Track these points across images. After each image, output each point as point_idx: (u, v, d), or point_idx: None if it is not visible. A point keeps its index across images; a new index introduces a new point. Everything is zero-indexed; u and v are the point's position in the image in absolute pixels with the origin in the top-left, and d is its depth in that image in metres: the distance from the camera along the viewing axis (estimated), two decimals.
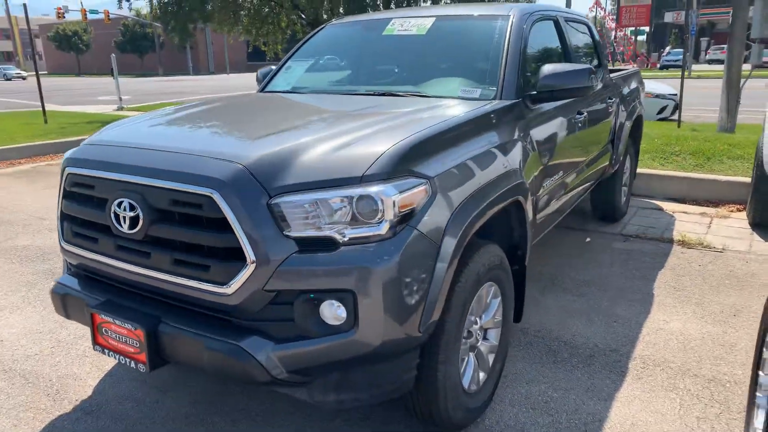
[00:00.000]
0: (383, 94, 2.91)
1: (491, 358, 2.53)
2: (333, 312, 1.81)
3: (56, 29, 65.33)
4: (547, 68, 2.74)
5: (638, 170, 5.98)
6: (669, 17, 54.84)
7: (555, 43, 3.50)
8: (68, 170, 2.18)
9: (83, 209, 2.13)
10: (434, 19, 3.23)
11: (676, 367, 2.84)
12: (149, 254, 1.95)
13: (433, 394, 2.10)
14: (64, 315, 2.28)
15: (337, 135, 2.06)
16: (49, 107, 17.59)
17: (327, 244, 1.80)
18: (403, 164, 1.88)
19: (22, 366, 2.96)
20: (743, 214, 5.21)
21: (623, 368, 2.84)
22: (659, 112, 12.92)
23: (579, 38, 3.99)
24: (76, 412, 2.59)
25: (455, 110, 2.42)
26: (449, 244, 1.94)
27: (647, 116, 12.45)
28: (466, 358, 2.32)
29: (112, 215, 1.99)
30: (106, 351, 2.07)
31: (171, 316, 1.96)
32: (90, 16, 46.94)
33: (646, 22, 47.01)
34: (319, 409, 2.51)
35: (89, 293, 2.17)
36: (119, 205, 1.96)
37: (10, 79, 49.58)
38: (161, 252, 1.92)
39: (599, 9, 46.08)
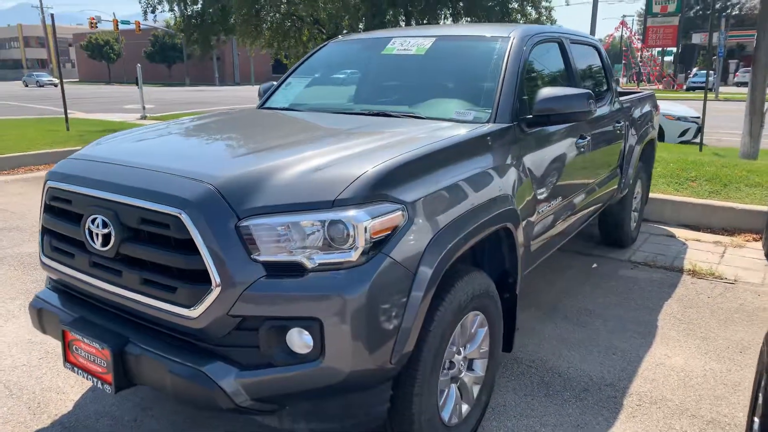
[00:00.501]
0: (377, 114, 2.87)
1: (476, 389, 2.44)
2: (300, 340, 1.76)
3: (89, 38, 67.11)
4: (544, 92, 2.67)
5: (651, 195, 5.84)
6: (697, 38, 54.19)
7: (559, 66, 3.43)
8: (48, 184, 2.18)
9: (61, 224, 2.12)
10: (434, 39, 3.19)
11: (674, 406, 2.71)
12: (120, 273, 1.92)
13: (408, 427, 2.03)
14: (40, 329, 2.26)
15: (317, 156, 2.02)
16: (75, 115, 18.02)
17: (296, 269, 1.75)
18: (379, 189, 1.83)
19: (8, 377, 2.95)
20: (759, 245, 5.03)
21: (617, 404, 2.72)
22: (681, 135, 12.67)
23: (586, 61, 3.91)
24: (54, 426, 2.56)
25: (443, 133, 2.36)
26: (425, 272, 1.87)
27: (668, 139, 12.31)
28: (447, 390, 2.24)
29: (87, 231, 1.97)
30: (76, 369, 2.04)
31: (139, 336, 1.92)
32: (121, 27, 48.00)
33: (673, 43, 46.43)
34: None
35: (64, 309, 2.15)
36: (93, 221, 1.94)
37: (42, 86, 50.93)
38: (131, 271, 1.89)
39: (625, 29, 45.73)
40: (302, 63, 3.64)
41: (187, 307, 1.77)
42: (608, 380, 2.93)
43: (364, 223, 1.74)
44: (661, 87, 45.15)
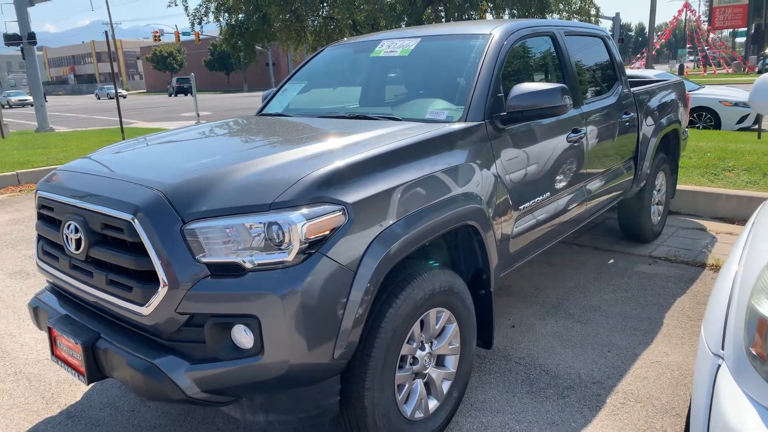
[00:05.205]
0: (357, 117, 2.94)
1: (446, 385, 2.47)
2: (243, 336, 1.86)
3: (153, 51, 70.57)
4: (516, 89, 2.66)
5: (683, 187, 5.61)
6: None
7: (549, 60, 3.38)
8: (38, 193, 2.39)
9: (47, 229, 2.33)
10: (419, 39, 3.22)
11: (660, 405, 2.64)
12: (91, 274, 2.09)
13: (362, 421, 2.09)
14: (37, 326, 2.48)
15: (270, 161, 2.11)
16: (136, 124, 19.06)
17: (237, 269, 1.85)
18: (317, 191, 1.91)
19: (30, 369, 3.23)
20: None
21: (600, 403, 2.68)
22: (739, 122, 11.98)
23: (588, 53, 3.83)
24: (61, 415, 2.79)
25: (404, 135, 2.40)
26: (366, 272, 1.93)
27: (725, 126, 11.68)
28: (408, 385, 2.29)
29: (64, 236, 2.16)
30: (60, 362, 2.24)
31: (109, 332, 2.08)
32: (183, 38, 50.14)
33: (743, 23, 43.87)
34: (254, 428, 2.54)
35: (54, 308, 2.35)
36: (68, 227, 2.13)
37: (113, 98, 54.03)
38: (99, 272, 2.06)
39: (689, 11, 43.48)
40: (299, 69, 3.76)
41: (141, 305, 1.91)
42: (597, 378, 2.88)
43: (299, 224, 1.82)
44: (730, 70, 42.67)
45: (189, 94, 52.01)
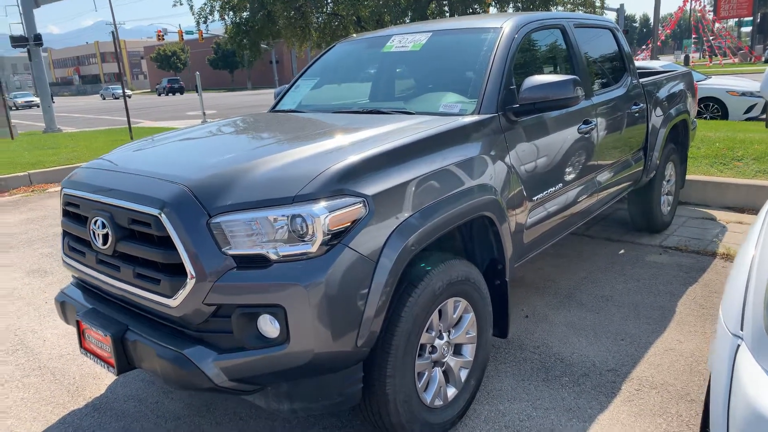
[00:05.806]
0: (371, 112, 2.99)
1: (464, 373, 2.52)
2: (268, 325, 1.91)
3: (157, 50, 70.75)
4: (528, 81, 2.70)
5: (692, 177, 5.63)
6: None
7: (559, 52, 3.41)
8: (63, 191, 2.45)
9: (73, 226, 2.38)
10: (430, 34, 3.26)
11: (675, 391, 2.68)
12: (119, 268, 2.15)
13: (383, 408, 2.14)
14: (64, 320, 2.54)
15: (290, 155, 2.16)
16: (142, 123, 19.16)
17: (262, 261, 1.90)
18: (338, 184, 1.95)
19: (54, 364, 3.30)
20: None
21: (615, 389, 2.72)
22: (746, 112, 11.96)
23: (597, 45, 3.85)
24: (87, 408, 2.86)
25: (419, 128, 2.44)
26: (387, 262, 1.98)
27: (732, 117, 11.65)
28: (428, 373, 2.34)
29: (91, 232, 2.21)
30: (89, 354, 2.30)
31: (137, 325, 2.14)
32: (186, 37, 50.30)
33: (749, 13, 43.55)
34: (277, 417, 2.61)
35: (81, 302, 2.41)
36: (95, 223, 2.18)
37: (117, 98, 54.30)
38: (127, 266, 2.11)
39: (694, 1, 43.18)
40: (311, 65, 3.81)
41: (169, 297, 1.96)
42: (611, 365, 2.92)
43: (322, 216, 1.87)
44: (736, 60, 42.40)
45: (179, 94, 54.74)
